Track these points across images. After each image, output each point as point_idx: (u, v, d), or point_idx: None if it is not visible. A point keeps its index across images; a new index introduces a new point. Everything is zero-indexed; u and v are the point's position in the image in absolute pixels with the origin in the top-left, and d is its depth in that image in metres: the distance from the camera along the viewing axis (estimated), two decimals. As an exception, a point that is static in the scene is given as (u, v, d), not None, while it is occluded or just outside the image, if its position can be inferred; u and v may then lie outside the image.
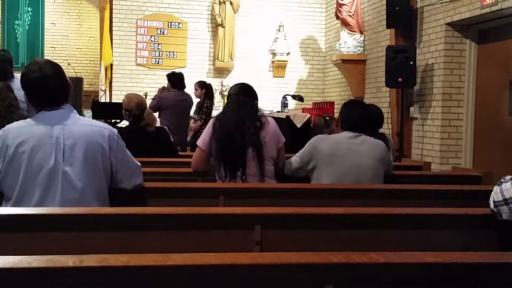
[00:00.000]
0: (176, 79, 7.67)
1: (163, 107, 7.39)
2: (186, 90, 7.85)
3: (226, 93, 3.77)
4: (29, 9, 13.92)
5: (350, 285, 1.61)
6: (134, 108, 4.73)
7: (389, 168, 3.94)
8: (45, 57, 13.05)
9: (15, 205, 2.57)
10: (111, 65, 10.79)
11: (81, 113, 8.98)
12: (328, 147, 3.70)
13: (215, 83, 9.94)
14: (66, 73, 2.84)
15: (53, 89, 2.69)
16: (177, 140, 6.94)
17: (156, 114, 7.64)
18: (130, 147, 2.94)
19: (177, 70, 8.25)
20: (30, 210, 2.38)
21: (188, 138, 7.83)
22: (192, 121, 8.03)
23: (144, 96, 6.08)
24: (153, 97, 7.70)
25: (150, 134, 4.72)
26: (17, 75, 5.61)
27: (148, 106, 6.20)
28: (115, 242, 2.27)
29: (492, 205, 2.41)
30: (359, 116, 3.81)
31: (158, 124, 6.82)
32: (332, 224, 2.43)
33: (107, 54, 10.62)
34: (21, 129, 2.64)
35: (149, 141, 4.62)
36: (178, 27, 11.12)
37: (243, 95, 3.78)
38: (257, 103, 3.83)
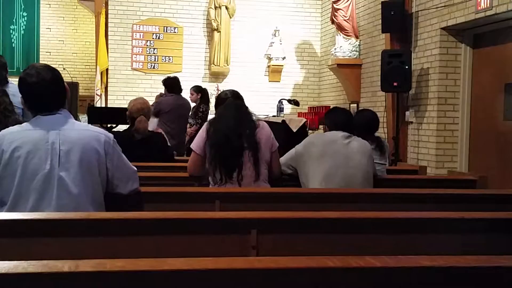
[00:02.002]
0: (171, 84, 7.68)
1: (161, 111, 7.38)
2: (182, 95, 7.85)
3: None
4: (25, 14, 13.91)
5: (346, 290, 1.61)
6: (134, 112, 4.71)
7: (375, 169, 4.05)
8: (41, 62, 13.05)
9: (10, 210, 2.56)
10: (107, 69, 10.77)
11: (76, 118, 8.97)
12: (323, 142, 3.85)
13: (210, 88, 9.94)
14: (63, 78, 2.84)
15: (49, 94, 2.68)
16: (176, 144, 6.94)
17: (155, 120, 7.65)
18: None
19: (171, 75, 8.24)
20: (26, 215, 2.37)
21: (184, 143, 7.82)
22: (187, 125, 8.02)
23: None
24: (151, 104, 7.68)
25: (139, 141, 4.66)
26: (12, 80, 5.60)
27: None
28: (111, 247, 2.26)
29: None
30: (343, 120, 4.01)
31: (155, 128, 6.84)
32: (328, 229, 2.43)
33: (103, 58, 10.61)
34: (16, 134, 2.64)
35: (138, 147, 4.56)
36: (174, 32, 11.12)
37: (238, 99, 3.83)
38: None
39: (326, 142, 3.85)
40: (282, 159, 3.99)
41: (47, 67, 2.74)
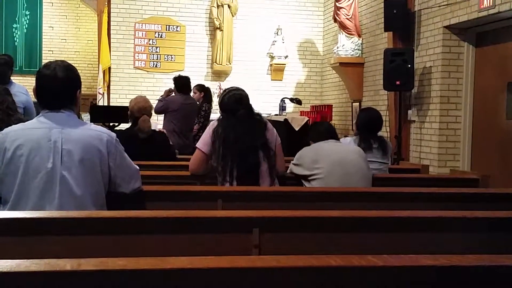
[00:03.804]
0: (181, 84, 7.58)
1: (169, 109, 7.37)
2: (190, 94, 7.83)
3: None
4: (27, 12, 13.94)
5: (348, 289, 1.61)
6: (136, 111, 4.72)
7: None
8: (43, 61, 13.08)
9: (12, 208, 2.57)
10: (109, 68, 10.79)
11: (79, 117, 8.99)
12: (313, 152, 3.90)
13: (213, 86, 9.95)
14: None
15: (56, 90, 2.69)
16: (182, 144, 6.94)
17: (162, 117, 7.66)
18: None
19: (182, 73, 8.18)
20: (28, 213, 2.37)
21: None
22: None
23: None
24: (159, 98, 7.67)
25: (143, 139, 4.68)
26: (14, 79, 5.63)
27: (154, 107, 6.20)
28: (113, 245, 2.26)
29: None
30: (326, 128, 4.16)
31: (160, 127, 6.85)
32: (330, 227, 2.43)
33: (105, 57, 10.63)
34: (19, 132, 2.64)
35: (141, 145, 4.58)
36: (176, 31, 11.12)
37: (245, 109, 3.78)
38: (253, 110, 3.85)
39: (316, 151, 3.89)
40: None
41: (66, 66, 2.75)
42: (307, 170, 3.82)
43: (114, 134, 2.82)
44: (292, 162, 3.97)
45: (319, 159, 3.78)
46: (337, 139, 4.11)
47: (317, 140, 4.00)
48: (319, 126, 4.28)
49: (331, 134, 4.07)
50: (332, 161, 3.76)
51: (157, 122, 8.77)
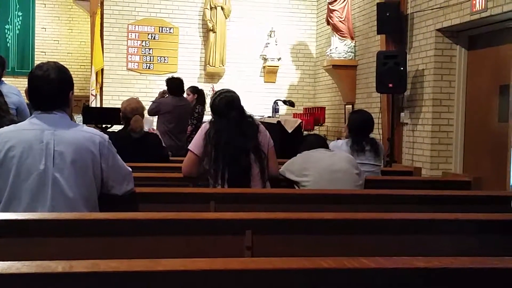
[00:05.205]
0: (174, 86, 7.54)
1: (161, 111, 7.35)
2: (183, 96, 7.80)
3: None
4: (20, 13, 13.89)
5: (340, 291, 1.61)
6: (129, 112, 4.70)
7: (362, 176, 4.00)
8: (35, 62, 13.03)
9: (4, 210, 2.56)
10: (102, 70, 10.76)
11: (71, 118, 8.95)
12: (302, 159, 3.88)
13: (206, 88, 9.93)
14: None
15: (48, 92, 2.68)
16: (175, 145, 6.93)
17: (155, 118, 7.64)
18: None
19: (175, 75, 8.15)
20: (20, 215, 2.36)
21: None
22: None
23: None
24: (153, 100, 7.65)
25: (136, 140, 4.66)
26: (6, 80, 5.60)
27: (147, 109, 6.19)
28: (105, 247, 2.26)
29: None
30: (318, 141, 4.14)
31: (150, 129, 6.83)
32: (323, 229, 2.43)
33: (98, 59, 10.59)
34: (11, 133, 2.63)
35: (134, 146, 4.56)
36: (169, 32, 11.11)
37: (237, 111, 3.76)
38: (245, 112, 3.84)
39: (305, 157, 3.89)
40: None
41: (59, 68, 2.74)
42: (296, 177, 3.81)
43: (106, 136, 2.81)
44: (282, 167, 3.97)
45: (308, 166, 3.77)
46: (327, 148, 4.10)
47: (307, 150, 4.00)
48: (309, 137, 4.32)
49: (320, 143, 4.06)
50: (321, 169, 3.73)
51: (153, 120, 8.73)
